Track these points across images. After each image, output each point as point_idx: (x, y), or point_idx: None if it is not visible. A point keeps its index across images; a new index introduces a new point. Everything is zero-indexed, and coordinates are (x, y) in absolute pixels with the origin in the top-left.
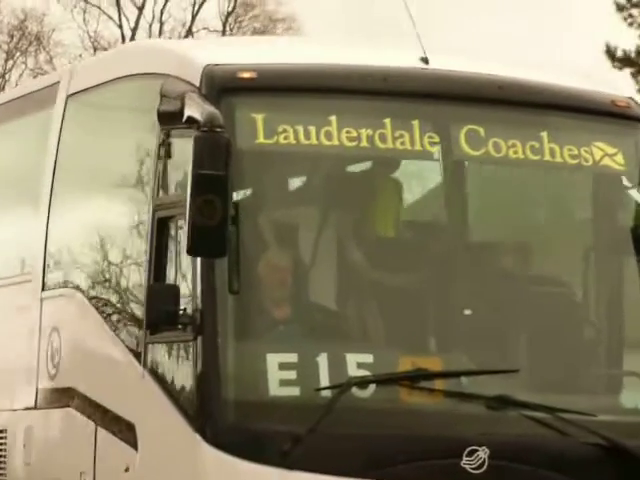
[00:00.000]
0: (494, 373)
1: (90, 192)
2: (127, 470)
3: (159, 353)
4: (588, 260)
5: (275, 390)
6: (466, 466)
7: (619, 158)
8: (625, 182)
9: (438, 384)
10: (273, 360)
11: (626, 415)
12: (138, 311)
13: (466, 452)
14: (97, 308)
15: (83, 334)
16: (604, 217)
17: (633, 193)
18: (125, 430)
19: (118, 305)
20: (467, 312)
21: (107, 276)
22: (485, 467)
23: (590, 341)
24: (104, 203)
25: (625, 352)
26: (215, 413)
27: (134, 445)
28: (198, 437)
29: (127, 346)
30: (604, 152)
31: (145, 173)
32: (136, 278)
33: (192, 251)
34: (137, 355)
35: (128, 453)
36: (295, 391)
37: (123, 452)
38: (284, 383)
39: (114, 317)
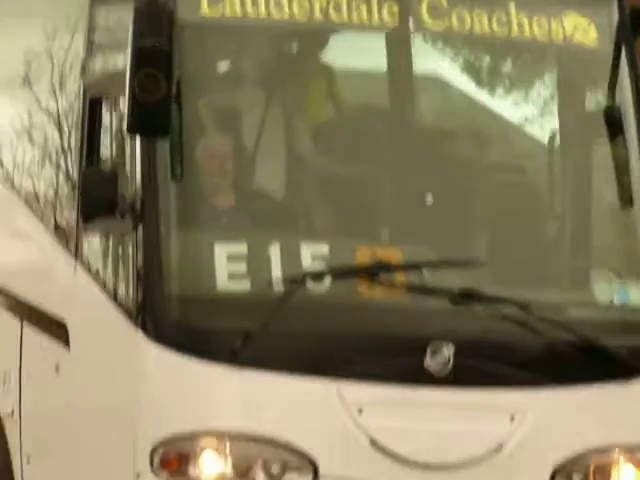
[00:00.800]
0: (459, 265)
1: (14, 74)
2: (57, 370)
3: (93, 245)
4: (554, 146)
5: (224, 284)
6: (430, 364)
7: (591, 34)
8: (597, 60)
9: (399, 277)
10: (221, 251)
11: (599, 311)
12: (70, 200)
13: (430, 350)
14: (23, 199)
15: (8, 227)
16: (573, 99)
17: (605, 72)
18: (55, 328)
19: (47, 195)
20: (428, 201)
21: (33, 164)
22: (450, 365)
23: (558, 232)
24: (31, 85)
25: (595, 244)
26: (159, 308)
27: (65, 344)
28: (140, 334)
29: (57, 238)
30: (575, 26)
31: (75, 48)
32: (67, 165)
33: (132, 129)
34: (68, 247)
35: (58, 352)
36: (245, 285)
37: (53, 351)
38: (233, 276)
39: (42, 208)
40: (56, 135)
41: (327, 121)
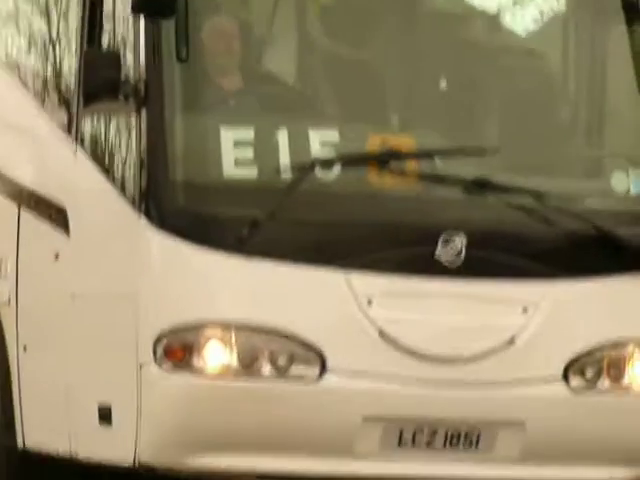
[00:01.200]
0: (473, 153)
1: None
2: (57, 257)
3: (95, 128)
4: (568, 29)
5: (230, 170)
6: (441, 255)
7: None
8: None
9: (411, 165)
10: (227, 136)
11: (615, 201)
12: (70, 81)
13: (441, 240)
14: (19, 81)
15: (3, 110)
16: None
17: None
18: (54, 214)
19: (45, 77)
20: (441, 87)
21: (32, 45)
22: (462, 256)
23: (573, 119)
24: None
25: (611, 132)
26: (164, 194)
27: (65, 230)
28: (143, 221)
29: (57, 120)
30: None
31: None
32: (69, 45)
33: (137, 8)
34: (69, 130)
35: (58, 239)
36: (253, 171)
37: (52, 238)
38: (240, 162)
39: (41, 90)
40: (54, 17)
41: (338, 2)
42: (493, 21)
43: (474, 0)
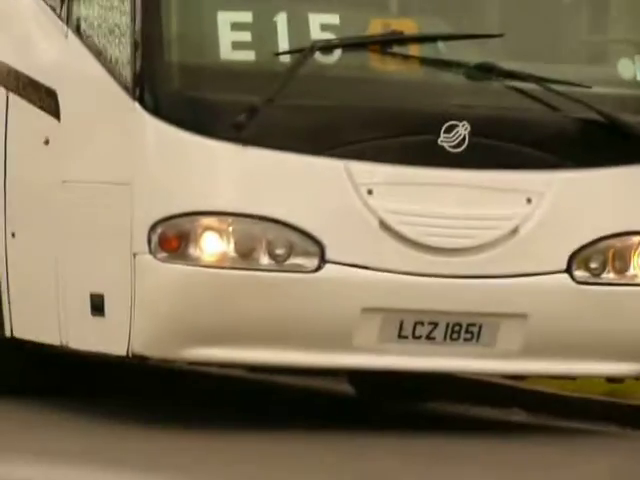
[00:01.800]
0: (477, 37)
1: None
2: (47, 142)
3: (87, 8)
4: None
5: (228, 53)
6: (444, 143)
7: None
8: None
9: (413, 49)
10: (225, 17)
11: (624, 87)
12: None
13: (444, 127)
14: None
15: None
16: None
17: None
18: (45, 97)
19: None
20: None
21: None
22: (465, 144)
23: (578, 3)
24: None
25: (618, 18)
26: (158, 78)
27: (55, 114)
28: (137, 106)
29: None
30: None
31: None
32: None
33: None
34: (59, 11)
35: (48, 123)
36: (250, 55)
37: (41, 122)
38: (238, 45)
39: None
40: None
41: None
42: None
43: None
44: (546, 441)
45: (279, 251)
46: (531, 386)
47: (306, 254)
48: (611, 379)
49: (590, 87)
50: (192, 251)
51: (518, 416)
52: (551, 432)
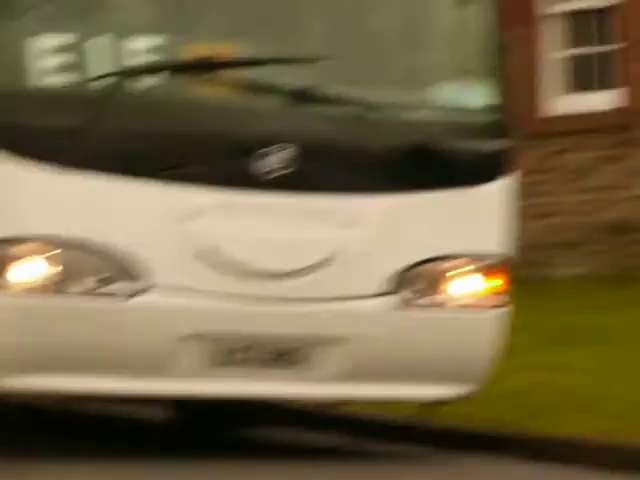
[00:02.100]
0: (296, 62)
1: None
2: None
3: None
4: None
5: (37, 78)
6: (263, 168)
7: None
8: None
9: (232, 73)
10: (38, 43)
11: (443, 112)
12: None
13: (264, 152)
14: None
15: None
16: None
17: None
18: None
19: None
20: None
21: None
22: (285, 169)
23: (396, 30)
24: None
25: (434, 44)
26: None
27: None
28: None
29: None
30: None
31: None
32: None
33: None
34: None
35: None
36: (62, 79)
37: None
38: (52, 70)
39: None
40: None
41: None
42: None
43: None
44: (363, 464)
45: (96, 277)
46: (348, 410)
47: (123, 280)
48: (430, 402)
49: (409, 112)
50: (7, 279)
51: (333, 439)
52: (368, 455)
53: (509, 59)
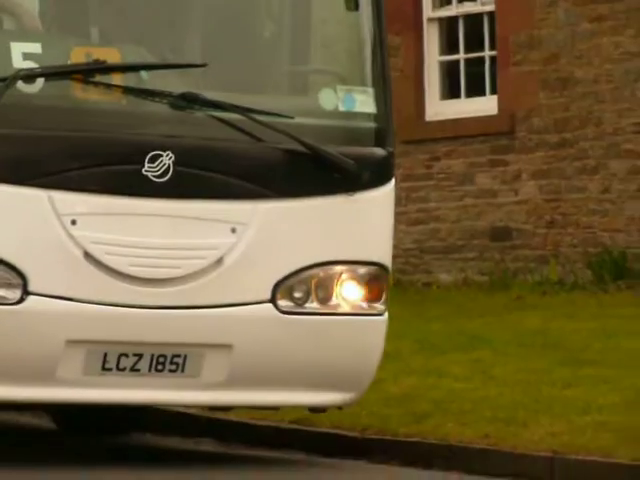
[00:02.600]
0: (179, 67)
1: None
2: None
3: None
4: None
5: None
6: (148, 173)
7: None
8: None
9: (117, 79)
10: None
11: (325, 117)
12: None
13: (148, 157)
14: None
15: None
16: None
17: None
18: None
19: None
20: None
21: None
22: (170, 174)
23: (280, 35)
24: None
25: (319, 49)
26: None
27: None
28: None
29: None
30: None
31: None
32: None
33: None
34: None
35: None
36: None
37: None
38: None
39: None
40: None
41: None
42: None
43: None
44: (237, 471)
45: None
46: (221, 415)
47: (8, 286)
48: (314, 409)
49: (292, 117)
50: None
51: (208, 446)
52: (242, 461)
53: (392, 64)
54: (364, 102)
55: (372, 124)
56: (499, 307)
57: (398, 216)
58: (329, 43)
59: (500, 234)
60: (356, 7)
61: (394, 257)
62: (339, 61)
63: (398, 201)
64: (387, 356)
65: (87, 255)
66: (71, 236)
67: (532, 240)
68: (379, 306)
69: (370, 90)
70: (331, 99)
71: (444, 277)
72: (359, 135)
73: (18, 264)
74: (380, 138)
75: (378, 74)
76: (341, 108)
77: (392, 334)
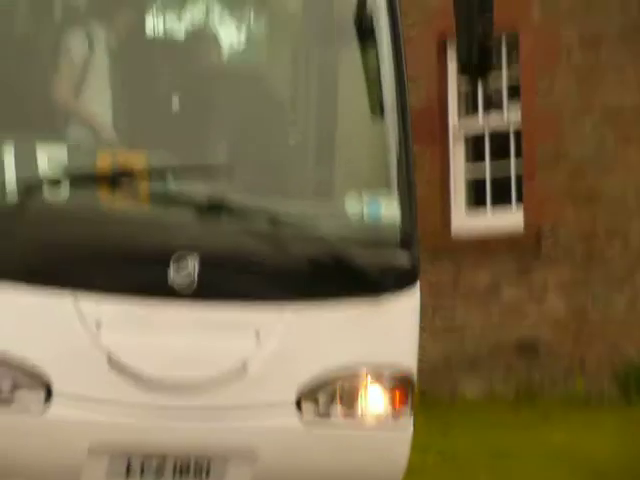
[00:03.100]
0: (205, 173)
1: None
2: None
3: None
4: (298, 50)
5: None
6: (174, 278)
7: None
8: None
9: (143, 184)
10: None
11: (349, 224)
12: None
13: (173, 260)
14: None
15: None
16: (321, 4)
17: None
18: None
19: None
20: (174, 107)
21: None
22: (195, 279)
23: (305, 142)
24: None
25: (345, 156)
26: None
27: None
28: None
29: None
30: None
31: None
32: None
33: None
34: None
35: None
36: None
37: None
38: None
39: None
40: None
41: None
42: (221, 44)
43: (203, 26)
44: None
45: (1, 389)
46: None
47: (31, 391)
48: None
49: (318, 222)
50: None
51: None
52: None
53: (419, 174)
54: (389, 207)
55: (397, 229)
56: (525, 421)
57: (424, 328)
58: (354, 149)
59: (526, 347)
60: (381, 113)
61: (420, 370)
62: (364, 167)
63: (424, 313)
64: (411, 470)
65: (111, 360)
66: (95, 340)
67: (558, 354)
68: (404, 419)
69: (395, 195)
70: (356, 204)
71: (470, 390)
72: (384, 239)
73: (42, 369)
74: (405, 243)
75: (403, 179)
76: (366, 213)
77: (416, 446)
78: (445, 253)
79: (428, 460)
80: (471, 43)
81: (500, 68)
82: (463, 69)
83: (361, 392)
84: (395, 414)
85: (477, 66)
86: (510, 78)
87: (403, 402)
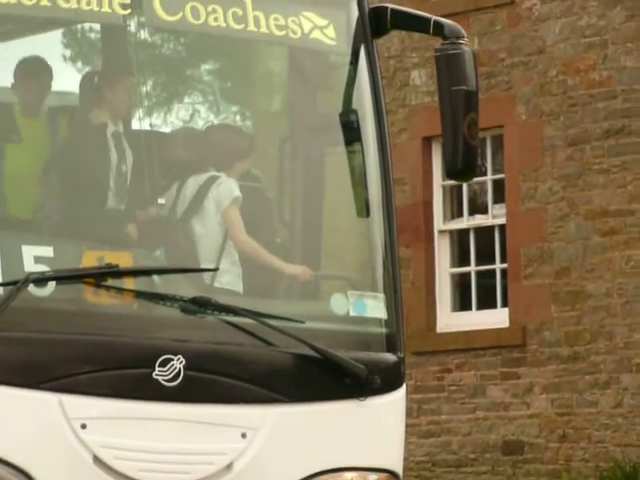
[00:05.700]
0: (191, 272)
1: None
2: None
3: None
4: (284, 149)
5: None
6: (159, 377)
7: (330, 32)
8: (335, 59)
9: (128, 282)
10: None
11: (336, 322)
12: None
13: (159, 361)
14: None
15: None
16: (310, 99)
17: (343, 75)
18: None
19: None
20: (159, 207)
21: None
22: (180, 378)
23: (292, 241)
24: None
25: (331, 254)
26: None
27: None
28: None
29: None
30: (314, 24)
31: None
32: None
33: None
34: None
35: None
36: None
37: None
38: None
39: None
40: None
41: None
42: (206, 141)
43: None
44: None
45: None
46: None
47: None
48: None
49: (303, 322)
50: None
51: None
52: None
53: (403, 275)
54: (375, 307)
55: (383, 329)
56: None
57: (409, 428)
58: (340, 248)
59: (512, 448)
60: (367, 213)
61: (405, 470)
62: (350, 266)
63: (409, 413)
64: None
65: (97, 459)
66: (80, 440)
67: (544, 454)
68: None
69: (381, 296)
70: (342, 304)
71: None
72: (370, 340)
73: (27, 468)
74: (391, 343)
75: (389, 280)
76: (352, 313)
77: None
78: (430, 353)
79: None
80: (457, 143)
81: (485, 172)
82: (448, 173)
83: None
84: None
85: (462, 170)
86: (495, 181)
87: None
